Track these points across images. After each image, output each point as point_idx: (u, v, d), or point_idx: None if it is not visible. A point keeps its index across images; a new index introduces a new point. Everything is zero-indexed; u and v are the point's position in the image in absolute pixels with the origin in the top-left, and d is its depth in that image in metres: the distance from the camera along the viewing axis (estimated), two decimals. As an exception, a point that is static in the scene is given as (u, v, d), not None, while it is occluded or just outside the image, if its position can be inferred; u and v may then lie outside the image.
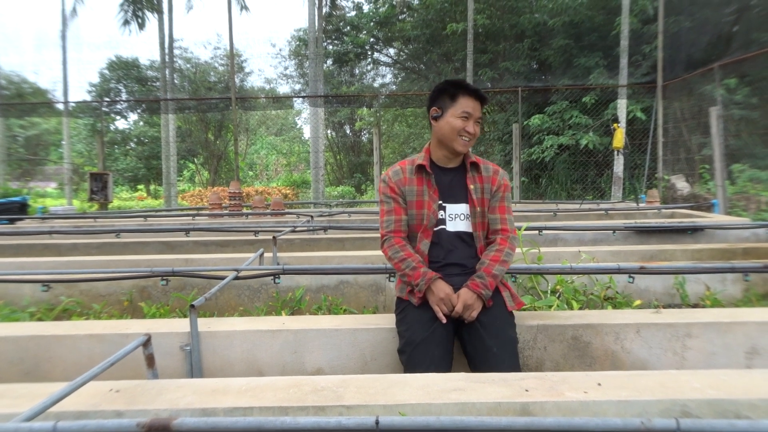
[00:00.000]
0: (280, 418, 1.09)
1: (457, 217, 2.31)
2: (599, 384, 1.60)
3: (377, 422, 1.07)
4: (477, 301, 2.13)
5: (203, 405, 1.53)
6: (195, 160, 26.30)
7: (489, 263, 2.22)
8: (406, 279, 2.24)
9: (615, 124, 9.56)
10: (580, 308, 2.96)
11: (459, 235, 2.30)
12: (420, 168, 2.32)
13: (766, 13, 12.02)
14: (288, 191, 18.67)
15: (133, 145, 26.13)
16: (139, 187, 26.85)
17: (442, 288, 2.15)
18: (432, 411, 1.51)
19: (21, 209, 10.11)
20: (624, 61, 11.69)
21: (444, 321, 2.12)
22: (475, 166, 2.35)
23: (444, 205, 2.31)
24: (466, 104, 2.26)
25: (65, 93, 14.62)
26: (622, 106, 11.66)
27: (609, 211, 7.13)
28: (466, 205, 2.31)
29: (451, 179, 2.35)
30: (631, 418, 1.07)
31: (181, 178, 26.01)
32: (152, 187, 26.65)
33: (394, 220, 2.31)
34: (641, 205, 8.14)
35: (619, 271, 2.87)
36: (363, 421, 1.07)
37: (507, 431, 1.08)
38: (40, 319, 3.09)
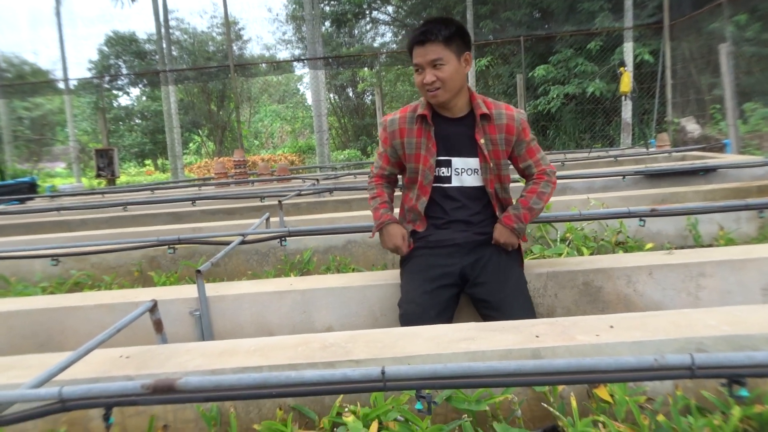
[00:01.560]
0: (284, 373, 1.07)
1: (464, 172, 2.14)
2: (611, 326, 1.57)
3: (383, 372, 1.05)
4: (510, 235, 2.10)
5: (212, 366, 1.52)
6: (200, 132, 26.19)
7: (526, 195, 2.17)
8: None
9: (621, 68, 9.35)
10: (591, 254, 2.93)
11: (466, 191, 2.15)
12: (421, 118, 2.14)
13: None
14: (294, 158, 18.60)
15: (137, 120, 26.06)
16: (147, 162, 26.87)
17: (393, 236, 2.18)
18: (441, 361, 1.49)
19: (30, 189, 10.16)
20: (629, 3, 11.35)
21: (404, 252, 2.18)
22: (486, 116, 2.10)
23: (449, 159, 2.14)
24: (414, 56, 2.04)
25: (65, 71, 14.50)
26: (628, 49, 11.38)
27: (618, 158, 7.03)
28: (476, 159, 2.13)
29: (457, 131, 2.14)
30: (643, 356, 1.04)
31: (187, 151, 25.96)
32: (160, 161, 26.67)
33: (380, 166, 2.32)
34: (651, 149, 8.01)
35: (629, 215, 2.81)
36: (369, 372, 1.06)
37: (516, 375, 1.05)
38: (52, 293, 3.11)
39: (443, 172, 2.16)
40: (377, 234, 2.24)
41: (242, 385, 1.07)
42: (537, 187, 2.17)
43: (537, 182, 2.19)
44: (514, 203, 2.20)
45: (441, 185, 2.17)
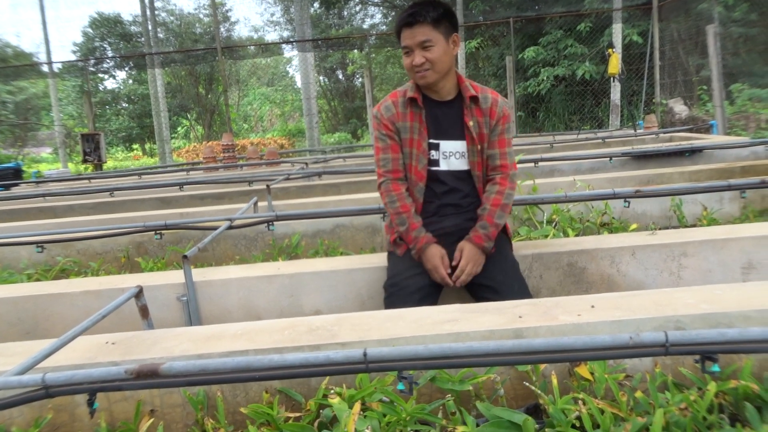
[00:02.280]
0: (267, 356, 1.08)
1: (452, 155, 2.15)
2: (593, 306, 1.60)
3: (365, 354, 1.06)
4: (480, 255, 2.05)
5: (198, 351, 1.53)
6: (188, 116, 25.96)
7: (490, 209, 2.09)
8: (397, 233, 2.18)
9: (610, 50, 9.34)
10: (576, 236, 2.95)
11: (454, 174, 2.16)
12: (411, 101, 2.13)
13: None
14: (284, 141, 18.52)
15: (124, 104, 25.78)
16: (134, 146, 26.63)
17: (431, 258, 2.04)
18: (425, 343, 1.51)
19: (15, 175, 10.05)
20: (619, -16, 11.33)
21: (450, 285, 2.06)
22: (474, 99, 2.12)
23: (437, 142, 2.15)
24: (403, 39, 2.05)
25: (48, 54, 14.29)
26: (617, 31, 11.37)
27: (606, 140, 7.06)
28: (462, 142, 2.14)
29: (446, 113, 2.15)
30: (619, 334, 1.06)
31: (175, 135, 25.76)
32: (147, 146, 26.43)
33: (391, 159, 2.15)
34: (639, 131, 8.05)
35: (614, 196, 2.84)
36: (351, 354, 1.07)
37: (496, 354, 1.07)
38: (38, 280, 3.10)
39: (432, 155, 2.16)
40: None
41: (226, 369, 1.08)
42: (501, 198, 2.10)
43: (500, 192, 2.12)
44: (479, 211, 2.13)
45: (431, 168, 2.16)
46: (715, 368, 1.02)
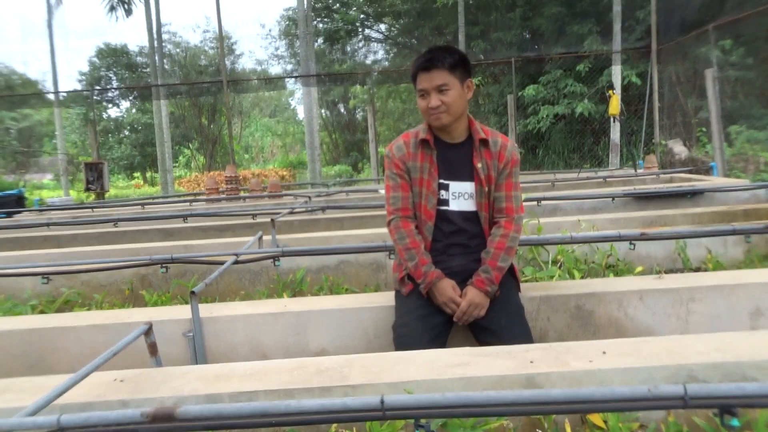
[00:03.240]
0: (284, 402, 1.08)
1: (461, 196, 2.19)
2: (604, 352, 1.59)
3: (382, 401, 1.06)
4: (484, 298, 2.06)
5: (208, 391, 1.52)
6: (190, 145, 26.16)
7: (494, 252, 2.11)
8: (407, 271, 2.18)
9: (610, 91, 9.48)
10: (582, 277, 2.96)
11: (462, 215, 2.19)
12: (423, 142, 2.19)
13: (759, -29, 11.84)
14: (285, 173, 18.62)
15: (126, 132, 26.00)
16: (136, 174, 26.77)
17: (444, 290, 2.06)
18: (437, 387, 1.50)
19: (18, 202, 10.06)
20: (617, 27, 11.56)
21: (460, 324, 2.07)
22: (484, 142, 2.17)
23: (447, 183, 2.19)
24: (419, 82, 2.11)
25: (55, 83, 14.48)
26: (616, 72, 11.56)
27: (607, 179, 7.11)
28: (471, 183, 2.18)
29: (456, 155, 2.19)
30: (638, 386, 1.06)
31: (177, 164, 25.90)
32: (149, 174, 26.58)
33: (401, 198, 2.19)
34: (639, 171, 8.11)
35: (619, 238, 2.86)
36: (368, 401, 1.07)
37: (513, 404, 1.07)
38: (42, 312, 3.09)
39: (442, 195, 2.20)
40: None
41: (242, 414, 1.07)
42: (505, 241, 2.13)
43: (505, 235, 2.14)
44: (483, 254, 2.15)
45: (440, 208, 2.20)
46: (735, 422, 1.02)
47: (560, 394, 1.06)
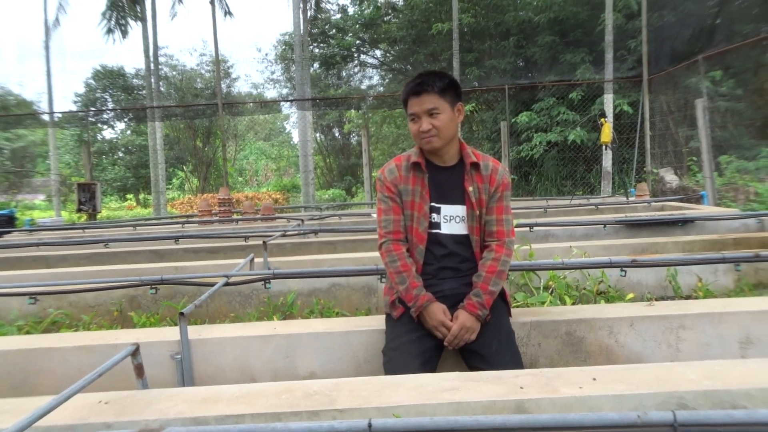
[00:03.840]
0: (270, 425, 1.07)
1: (452, 219, 2.19)
2: (594, 379, 1.59)
3: (370, 425, 1.05)
4: (475, 322, 2.05)
5: (194, 414, 1.50)
6: (184, 167, 26.18)
7: (485, 276, 2.10)
8: (397, 294, 2.17)
9: (602, 119, 9.59)
10: (573, 303, 2.96)
11: (454, 238, 2.20)
12: (415, 165, 2.21)
13: (747, 5, 12.13)
14: (278, 196, 18.61)
15: (121, 154, 25.99)
16: (128, 196, 26.70)
17: (434, 314, 2.05)
18: (426, 412, 1.49)
19: (8, 222, 9.99)
20: (609, 56, 11.75)
21: (451, 348, 2.06)
22: (475, 165, 2.19)
23: (438, 206, 2.20)
24: (410, 106, 2.14)
25: (50, 104, 14.50)
26: (608, 101, 11.72)
27: (599, 206, 7.15)
28: (462, 206, 2.19)
29: (447, 178, 2.21)
30: (628, 412, 1.06)
31: (170, 186, 25.89)
32: (141, 196, 26.52)
33: (393, 221, 2.19)
34: (631, 198, 8.17)
35: (611, 264, 2.86)
36: (355, 425, 1.05)
37: (502, 429, 1.06)
38: (28, 333, 3.04)
39: (434, 218, 2.20)
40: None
41: (227, 437, 1.06)
42: (496, 265, 2.13)
43: (496, 259, 2.14)
44: (474, 278, 2.15)
45: (432, 231, 2.20)
46: (724, 450, 1.02)
47: (549, 420, 1.05)
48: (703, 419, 1.03)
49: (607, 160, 11.47)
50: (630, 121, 12.01)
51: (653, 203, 7.23)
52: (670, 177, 9.67)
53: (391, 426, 1.05)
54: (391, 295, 2.24)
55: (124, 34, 16.89)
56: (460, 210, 2.20)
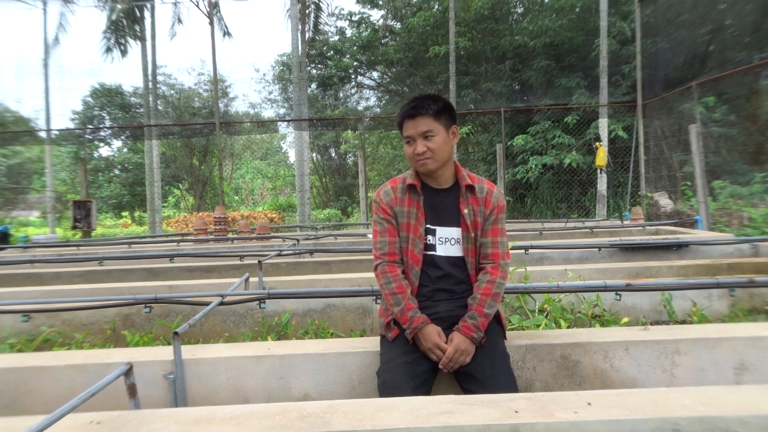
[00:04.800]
0: (264, 448, 1.06)
1: (447, 241, 2.20)
2: (589, 403, 1.58)
3: (364, 449, 1.04)
4: (470, 345, 2.05)
5: (186, 435, 1.48)
6: (180, 185, 26.17)
7: (480, 298, 2.11)
8: (393, 315, 2.17)
9: (597, 143, 9.67)
10: (568, 326, 2.96)
11: (449, 260, 2.20)
12: (411, 187, 2.22)
13: (739, 33, 12.32)
14: (274, 215, 18.61)
15: (117, 172, 25.98)
16: (124, 214, 26.63)
17: (429, 336, 2.05)
18: (421, 435, 1.48)
19: (3, 239, 9.95)
20: (604, 81, 11.89)
21: (446, 371, 2.06)
22: (470, 188, 2.21)
23: (433, 228, 2.20)
24: (405, 129, 2.16)
25: (48, 121, 14.53)
26: (603, 125, 11.83)
27: (594, 229, 7.17)
28: (458, 228, 2.20)
29: (443, 201, 2.23)
30: (622, 437, 1.05)
31: (166, 204, 25.86)
32: (137, 213, 26.46)
33: (388, 243, 2.20)
34: (626, 222, 8.20)
35: (605, 288, 2.87)
36: (350, 448, 1.04)
37: (497, 455, 1.05)
38: (20, 351, 3.02)
39: (429, 240, 2.21)
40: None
41: (220, 459, 1.05)
42: (492, 287, 2.13)
43: (491, 281, 2.14)
44: (469, 300, 2.15)
45: (427, 253, 2.20)
46: (719, 477, 1.01)
47: (544, 445, 1.05)
48: (697, 445, 1.03)
49: (602, 183, 11.54)
50: (624, 145, 12.11)
51: (648, 227, 7.26)
52: (665, 201, 9.72)
53: (385, 449, 1.04)
54: (386, 316, 2.23)
55: (123, 53, 17.00)
56: (455, 232, 2.21)
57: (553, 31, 13.99)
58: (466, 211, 2.19)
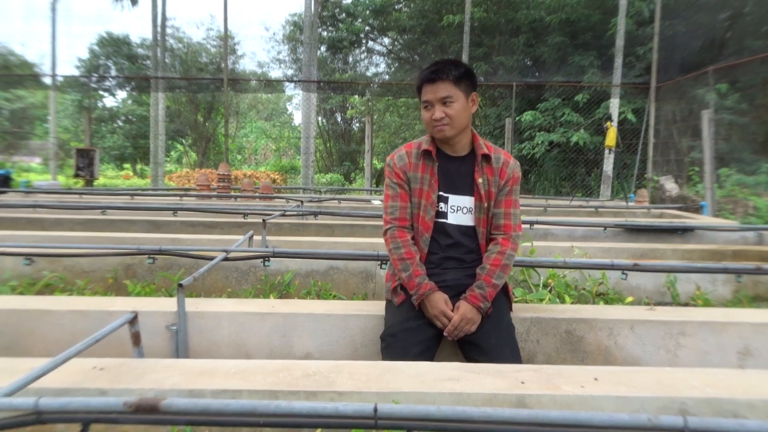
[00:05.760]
0: (273, 402, 1.04)
1: (459, 210, 2.17)
2: (596, 379, 1.57)
3: (375, 410, 1.03)
4: (476, 314, 2.03)
5: (190, 386, 1.48)
6: (183, 141, 26.02)
7: (489, 269, 2.08)
8: (400, 281, 2.15)
9: (608, 123, 9.56)
10: (572, 303, 2.94)
11: (460, 229, 2.17)
12: (426, 153, 2.18)
13: (758, 21, 12.10)
14: (276, 176, 18.53)
15: (120, 123, 25.80)
16: (126, 166, 26.55)
17: (436, 303, 2.03)
18: (426, 400, 1.47)
19: (4, 182, 9.92)
20: (618, 61, 11.69)
21: (450, 339, 2.04)
22: (486, 157, 2.16)
23: (446, 195, 2.17)
24: (424, 93, 2.11)
25: (53, 67, 14.33)
26: (614, 105, 11.67)
27: (599, 209, 7.15)
28: (471, 198, 2.16)
29: (457, 168, 2.18)
30: (638, 414, 1.04)
31: (168, 159, 25.75)
32: (138, 166, 26.38)
33: (399, 207, 2.17)
34: (630, 204, 8.16)
35: (612, 267, 2.85)
36: (361, 408, 1.03)
37: (509, 423, 1.04)
38: (21, 293, 3.01)
39: (441, 207, 2.18)
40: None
41: (229, 411, 1.03)
42: (502, 258, 2.11)
43: (502, 252, 2.12)
44: (478, 270, 2.13)
45: (438, 220, 2.18)
46: (734, 459, 1.00)
47: (558, 416, 1.03)
48: (713, 426, 1.02)
49: (608, 163, 11.45)
50: (632, 127, 11.99)
51: (652, 210, 7.23)
52: (671, 185, 9.67)
53: (397, 412, 1.03)
54: (393, 281, 2.22)
55: (134, 2, 16.70)
56: (468, 201, 2.18)
57: (570, 7, 13.70)
58: (480, 180, 2.15)
